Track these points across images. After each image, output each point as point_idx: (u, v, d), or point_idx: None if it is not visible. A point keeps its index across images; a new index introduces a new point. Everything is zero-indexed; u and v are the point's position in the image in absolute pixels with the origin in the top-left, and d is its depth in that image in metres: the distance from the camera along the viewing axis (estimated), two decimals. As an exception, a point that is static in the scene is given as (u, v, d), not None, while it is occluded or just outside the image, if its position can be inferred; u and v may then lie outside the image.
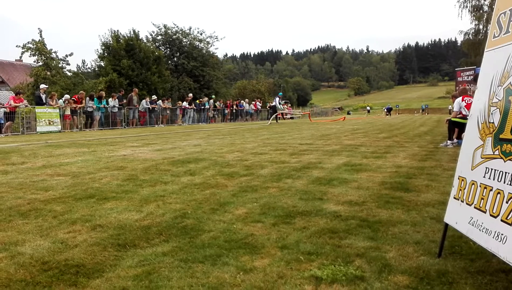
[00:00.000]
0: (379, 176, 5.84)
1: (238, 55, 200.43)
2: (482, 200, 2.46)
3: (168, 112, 24.69)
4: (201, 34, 41.97)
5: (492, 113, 2.56)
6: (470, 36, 37.71)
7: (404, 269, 2.61)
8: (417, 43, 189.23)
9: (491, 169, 2.44)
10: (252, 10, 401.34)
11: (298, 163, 7.19)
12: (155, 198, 4.61)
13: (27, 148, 9.67)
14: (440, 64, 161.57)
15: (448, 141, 10.22)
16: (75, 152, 8.88)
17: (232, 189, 5.04)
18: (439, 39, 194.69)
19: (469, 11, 35.83)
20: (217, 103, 30.31)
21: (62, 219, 3.80)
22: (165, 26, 41.21)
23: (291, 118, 37.65)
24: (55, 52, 25.56)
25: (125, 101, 21.73)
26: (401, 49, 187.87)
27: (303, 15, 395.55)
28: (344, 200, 4.45)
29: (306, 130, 17.39)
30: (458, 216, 2.71)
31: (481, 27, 35.44)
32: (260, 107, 36.05)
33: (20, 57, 27.57)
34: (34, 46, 24.40)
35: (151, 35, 41.16)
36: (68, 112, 18.18)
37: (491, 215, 2.34)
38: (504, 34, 2.61)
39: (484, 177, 2.50)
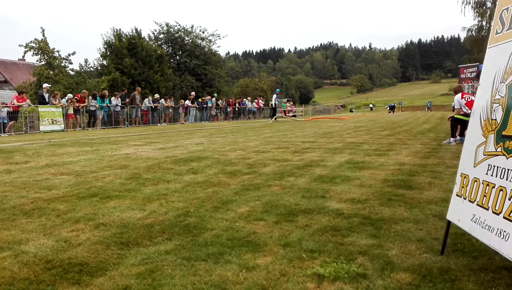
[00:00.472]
0: (381, 174, 5.83)
1: (240, 53, 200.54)
2: (485, 197, 2.45)
3: (170, 110, 24.71)
4: (203, 32, 41.99)
5: (494, 110, 2.55)
6: (473, 32, 37.58)
7: (407, 267, 2.61)
8: (420, 40, 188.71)
9: (494, 166, 2.43)
10: (254, 8, 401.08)
11: (301, 161, 7.19)
12: (158, 196, 4.62)
13: (30, 147, 9.70)
14: (443, 61, 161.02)
15: (451, 138, 10.20)
16: (78, 151, 8.91)
17: (235, 187, 5.05)
18: (442, 35, 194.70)
19: (472, 7, 35.71)
20: (220, 102, 30.29)
21: (66, 218, 3.81)
22: (167, 25, 41.26)
23: (294, 116, 37.62)
24: (57, 51, 25.64)
25: (127, 100, 21.76)
26: (404, 46, 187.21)
27: (306, 12, 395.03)
28: (346, 198, 4.45)
29: (308, 128, 17.38)
30: (461, 213, 2.71)
31: (484, 23, 35.29)
32: (262, 105, 36.03)
33: (23, 56, 27.81)
34: (37, 45, 24.45)
35: (153, 33, 41.23)
36: (71, 111, 18.22)
37: (493, 212, 2.34)
38: (506, 30, 2.60)
39: (486, 174, 2.49)
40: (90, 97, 19.34)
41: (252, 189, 4.96)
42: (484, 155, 2.57)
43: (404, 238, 3.16)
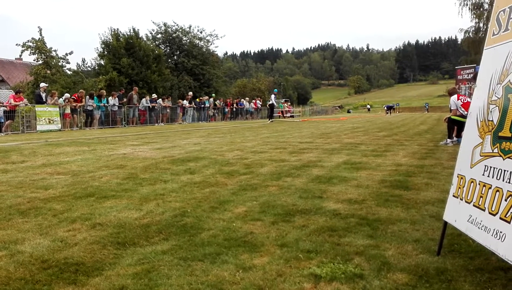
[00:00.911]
0: (378, 174, 5.84)
1: (238, 53, 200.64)
2: (481, 198, 2.46)
3: (168, 110, 24.69)
4: (201, 32, 41.96)
5: (491, 111, 2.56)
6: (470, 34, 37.67)
7: (403, 267, 2.62)
8: (417, 41, 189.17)
9: (490, 167, 2.44)
10: (252, 8, 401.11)
11: (298, 161, 7.19)
12: (155, 196, 4.61)
13: (27, 147, 9.67)
14: (440, 62, 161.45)
15: (448, 139, 10.22)
16: (75, 150, 8.89)
17: (232, 188, 5.05)
18: (440, 37, 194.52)
19: (469, 9, 35.77)
20: (217, 102, 30.29)
21: (62, 218, 3.80)
22: (165, 25, 41.19)
23: (291, 116, 37.64)
24: (55, 51, 25.59)
25: (125, 99, 21.72)
26: (401, 47, 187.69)
27: (303, 13, 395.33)
28: (343, 198, 4.45)
29: (306, 129, 17.39)
30: (457, 214, 2.71)
31: (481, 25, 35.38)
32: (260, 106, 36.04)
33: (20, 55, 27.68)
34: (34, 44, 24.40)
35: (151, 33, 41.15)
36: (68, 110, 18.18)
37: (490, 213, 2.34)
38: (503, 32, 2.61)
39: (483, 175, 2.50)
40: (88, 96, 19.30)
41: (249, 189, 4.96)
42: (480, 156, 2.58)
43: (400, 238, 3.16)
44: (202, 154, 8.19)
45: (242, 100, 34.22)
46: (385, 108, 54.84)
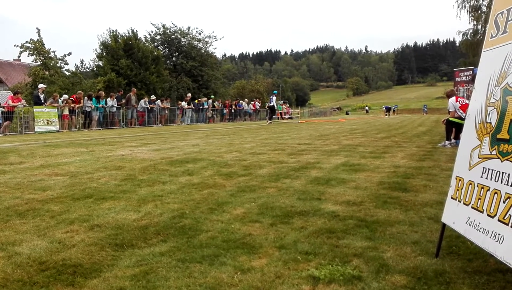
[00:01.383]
0: (377, 176, 5.84)
1: (236, 55, 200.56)
2: (479, 200, 2.46)
3: (166, 112, 24.67)
4: (199, 34, 42.00)
5: (489, 113, 2.56)
6: (468, 36, 37.81)
7: (402, 269, 2.62)
8: (415, 43, 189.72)
9: (488, 169, 2.44)
10: (251, 10, 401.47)
11: (297, 163, 7.19)
12: (153, 198, 4.60)
13: (25, 148, 9.65)
14: (438, 64, 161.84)
15: (446, 141, 10.24)
16: (73, 152, 8.87)
17: (230, 189, 5.04)
18: (438, 39, 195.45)
19: (467, 11, 35.93)
20: (216, 103, 30.29)
21: (60, 219, 3.79)
22: (163, 26, 41.24)
23: (290, 118, 37.67)
24: (53, 52, 25.52)
25: (123, 101, 21.71)
26: (400, 49, 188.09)
27: (302, 15, 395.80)
28: (342, 200, 4.45)
29: (304, 130, 17.40)
30: (456, 216, 2.71)
31: (479, 27, 35.51)
32: (259, 107, 36.05)
33: (18, 56, 27.64)
34: (32, 45, 24.33)
35: (149, 34, 41.19)
36: (66, 112, 18.15)
37: (488, 215, 2.34)
38: (501, 34, 2.62)
39: (481, 177, 2.50)
40: (86, 98, 19.28)
41: (247, 191, 4.95)
42: (479, 158, 2.58)
43: (399, 240, 3.16)
44: (200, 156, 8.18)
45: (241, 101, 34.23)
46: (384, 108, 54.90)
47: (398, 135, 14.12)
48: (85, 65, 42.55)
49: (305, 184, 5.32)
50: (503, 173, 2.29)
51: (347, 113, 72.56)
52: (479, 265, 2.68)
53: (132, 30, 35.23)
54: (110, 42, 33.19)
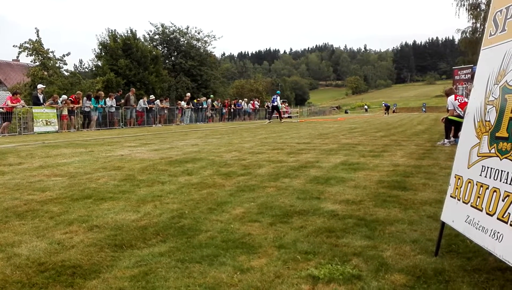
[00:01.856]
0: (376, 175, 5.84)
1: (235, 54, 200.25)
2: (479, 199, 2.46)
3: (165, 111, 24.65)
4: (198, 33, 41.87)
5: (488, 112, 2.56)
6: (467, 34, 37.79)
7: (401, 268, 2.62)
8: (414, 41, 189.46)
9: (488, 167, 2.44)
10: (250, 9, 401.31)
11: (296, 162, 7.19)
12: (152, 198, 4.60)
13: (24, 149, 9.64)
14: (437, 62, 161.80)
15: (445, 139, 10.25)
16: (72, 152, 8.86)
17: (230, 189, 5.04)
18: (437, 37, 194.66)
19: (466, 9, 35.87)
20: (215, 103, 30.27)
21: (59, 220, 3.79)
22: (162, 25, 41.12)
23: (289, 117, 37.67)
24: (52, 52, 25.46)
25: (122, 101, 21.68)
26: (399, 48, 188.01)
27: (301, 14, 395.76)
28: (341, 199, 4.45)
29: (303, 129, 17.40)
30: (455, 214, 2.71)
31: (478, 25, 35.48)
32: (258, 107, 36.04)
33: (17, 57, 27.64)
34: (31, 46, 24.28)
35: (148, 34, 41.07)
36: (65, 112, 18.11)
37: (487, 213, 2.34)
38: (500, 32, 2.61)
39: (480, 175, 2.50)
40: (85, 98, 19.25)
41: (247, 190, 4.95)
42: (478, 156, 2.58)
43: (398, 239, 3.16)
44: (199, 155, 8.18)
45: (240, 101, 34.21)
46: (384, 105, 54.85)
47: (397, 133, 14.12)
48: (84, 65, 42.65)
49: (304, 183, 5.32)
50: (502, 171, 2.29)
51: (346, 112, 72.55)
52: (479, 264, 2.68)
53: (131, 30, 35.17)
54: (109, 42, 33.13)
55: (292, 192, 4.83)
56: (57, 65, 25.77)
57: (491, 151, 2.44)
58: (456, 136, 9.78)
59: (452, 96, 10.37)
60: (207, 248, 3.01)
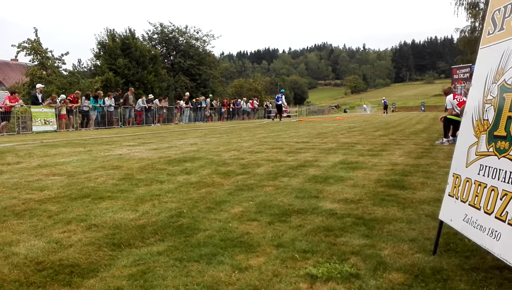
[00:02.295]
0: (375, 174, 5.85)
1: (234, 53, 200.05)
2: (477, 197, 2.46)
3: (164, 111, 24.63)
4: (197, 32, 41.82)
5: (486, 110, 2.56)
6: (466, 33, 37.77)
7: (399, 267, 2.62)
8: (413, 40, 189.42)
9: (486, 166, 2.44)
10: (249, 8, 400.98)
11: (295, 161, 7.19)
12: (150, 197, 4.60)
13: (23, 148, 9.62)
14: (436, 61, 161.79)
15: (443, 138, 10.26)
16: (71, 151, 8.85)
17: (228, 188, 5.04)
18: (435, 36, 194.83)
19: (465, 8, 35.87)
20: (214, 102, 30.26)
21: (57, 219, 3.78)
22: (161, 25, 41.06)
23: (288, 116, 37.69)
24: (50, 51, 25.42)
25: (121, 100, 21.66)
26: (398, 47, 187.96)
27: (300, 13, 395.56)
28: (340, 198, 4.45)
29: (302, 129, 17.40)
30: (453, 213, 2.72)
31: (477, 24, 35.46)
32: (257, 106, 36.03)
33: (16, 56, 27.53)
34: (30, 45, 24.24)
35: (147, 33, 41.03)
36: (64, 111, 18.09)
37: (485, 212, 2.35)
38: (498, 31, 2.61)
39: (478, 174, 2.50)
40: (84, 97, 19.22)
41: (245, 189, 4.95)
42: (476, 155, 2.58)
43: (396, 238, 3.16)
44: (198, 155, 8.18)
45: (239, 100, 34.20)
46: (383, 102, 54.82)
47: (396, 132, 14.13)
48: (82, 64, 42.45)
49: (303, 182, 5.32)
50: (500, 170, 2.29)
51: (345, 111, 72.57)
52: (477, 262, 2.68)
53: (130, 29, 35.11)
54: (107, 41, 33.09)
55: (291, 191, 4.83)
56: (55, 64, 25.74)
57: (489, 150, 2.44)
58: (454, 135, 9.79)
59: (451, 95, 10.39)
60: (206, 247, 3.01)
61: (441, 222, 2.86)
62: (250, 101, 35.73)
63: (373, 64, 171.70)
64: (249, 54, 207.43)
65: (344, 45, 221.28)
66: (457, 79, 33.28)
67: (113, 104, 20.61)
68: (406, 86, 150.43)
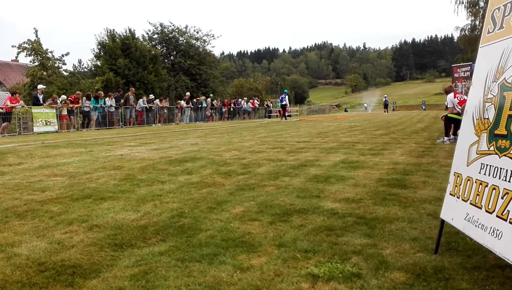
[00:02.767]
0: (376, 173, 5.84)
1: (235, 53, 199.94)
2: (478, 196, 2.46)
3: (165, 111, 24.64)
4: (197, 32, 41.88)
5: (487, 109, 2.56)
6: (466, 32, 37.78)
7: (401, 266, 2.62)
8: (413, 39, 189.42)
9: (487, 165, 2.44)
10: (249, 8, 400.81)
11: (296, 161, 7.19)
12: (152, 197, 4.60)
13: (24, 149, 9.64)
14: (436, 60, 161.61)
15: (445, 137, 10.25)
16: (72, 152, 8.86)
17: (229, 188, 5.04)
18: (436, 35, 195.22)
19: (465, 7, 35.85)
20: (215, 102, 30.27)
21: (59, 220, 3.79)
22: (161, 25, 41.12)
23: (289, 116, 37.68)
24: (51, 52, 25.51)
25: (122, 100, 21.67)
26: (398, 46, 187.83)
27: (300, 12, 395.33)
28: (341, 198, 4.46)
29: (303, 128, 17.39)
30: (454, 212, 2.72)
31: (477, 23, 35.44)
32: (257, 106, 36.03)
33: (16, 57, 27.53)
34: (30, 46, 24.30)
35: (147, 34, 41.08)
36: (65, 112, 18.11)
37: (486, 211, 2.35)
38: (498, 30, 2.61)
39: (479, 173, 2.50)
40: (84, 98, 19.24)
41: (247, 189, 4.95)
42: (477, 154, 2.58)
43: (398, 237, 3.16)
44: (199, 155, 8.18)
45: (240, 100, 34.21)
46: (384, 100, 54.79)
47: (397, 131, 14.12)
48: (83, 65, 42.64)
49: (304, 182, 5.32)
50: (501, 168, 2.29)
51: (346, 110, 72.53)
52: (478, 261, 2.68)
53: (130, 29, 35.17)
54: (107, 41, 33.14)
55: (292, 190, 4.83)
56: (56, 65, 25.81)
57: (490, 149, 2.44)
58: (455, 134, 9.78)
59: (452, 94, 10.38)
60: (207, 247, 3.02)
61: (443, 221, 2.87)
62: (251, 100, 35.74)
63: (373, 63, 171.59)
64: (249, 53, 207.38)
65: (345, 44, 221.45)
66: (458, 78, 33.30)
67: (114, 105, 20.63)
68: (407, 85, 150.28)
